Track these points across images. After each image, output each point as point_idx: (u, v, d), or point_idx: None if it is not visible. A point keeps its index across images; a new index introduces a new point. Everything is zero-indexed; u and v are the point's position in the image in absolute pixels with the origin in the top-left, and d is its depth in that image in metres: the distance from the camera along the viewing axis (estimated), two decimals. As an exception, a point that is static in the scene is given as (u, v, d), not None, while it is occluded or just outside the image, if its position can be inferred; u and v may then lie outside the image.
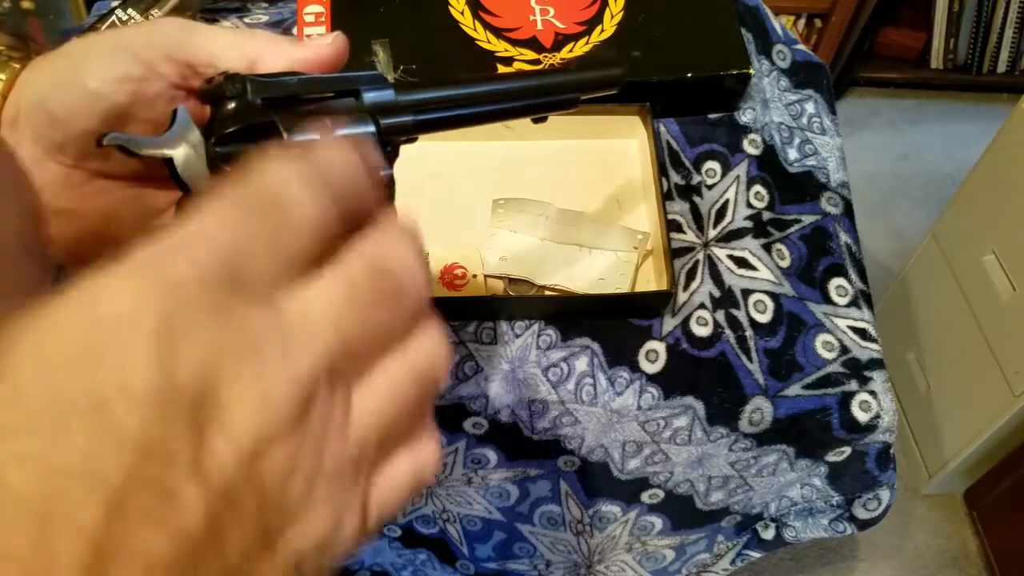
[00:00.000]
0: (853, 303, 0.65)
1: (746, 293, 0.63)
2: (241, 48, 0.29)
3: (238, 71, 0.29)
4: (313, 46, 0.30)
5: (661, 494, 0.67)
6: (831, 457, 0.65)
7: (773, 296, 0.63)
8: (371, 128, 0.29)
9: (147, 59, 0.29)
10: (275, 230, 0.19)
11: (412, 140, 0.31)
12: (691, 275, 0.63)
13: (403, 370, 0.21)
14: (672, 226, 0.64)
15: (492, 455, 0.63)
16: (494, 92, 0.34)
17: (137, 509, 0.16)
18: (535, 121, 0.37)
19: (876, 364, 0.63)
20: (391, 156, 0.31)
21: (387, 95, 0.30)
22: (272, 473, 0.18)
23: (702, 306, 0.62)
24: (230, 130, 0.27)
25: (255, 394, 0.17)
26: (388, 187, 0.30)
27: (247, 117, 0.27)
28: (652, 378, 0.60)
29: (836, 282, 0.65)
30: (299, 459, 0.18)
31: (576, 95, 0.37)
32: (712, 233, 0.65)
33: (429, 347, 0.22)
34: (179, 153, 0.27)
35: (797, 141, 0.71)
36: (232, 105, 0.27)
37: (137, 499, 0.16)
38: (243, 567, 0.18)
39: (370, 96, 0.29)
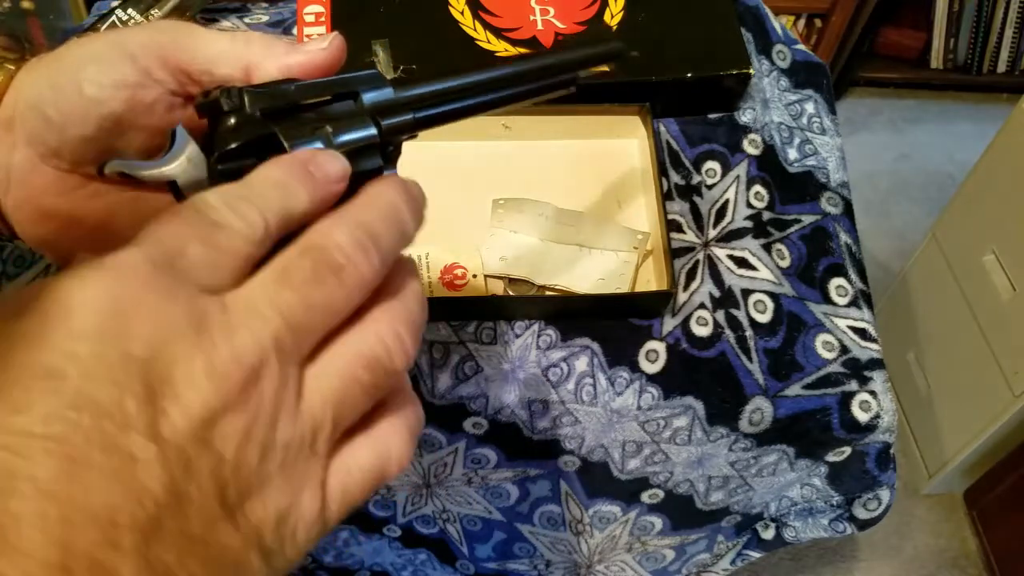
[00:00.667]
0: (853, 303, 0.65)
1: (746, 293, 0.63)
2: (237, 54, 0.29)
3: (234, 83, 0.28)
4: (309, 50, 0.30)
5: (661, 494, 0.67)
6: (831, 457, 0.65)
7: (773, 296, 0.63)
8: (372, 131, 0.28)
9: (144, 65, 0.29)
10: (221, 239, 0.21)
11: (414, 136, 0.31)
12: (691, 275, 0.63)
13: (352, 352, 0.22)
14: (672, 226, 0.64)
15: (492, 455, 0.63)
16: (493, 79, 0.34)
17: (97, 468, 0.17)
18: (537, 103, 0.36)
19: (876, 364, 0.63)
20: (394, 155, 0.30)
21: (386, 94, 0.29)
22: (225, 442, 0.19)
23: (702, 306, 0.62)
24: (231, 147, 0.26)
25: (203, 367, 0.19)
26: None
27: (247, 132, 0.26)
28: (652, 378, 0.60)
29: (836, 282, 0.65)
30: (252, 431, 0.20)
31: (574, 74, 0.37)
32: (712, 233, 0.65)
33: (381, 331, 0.23)
34: (181, 174, 0.27)
35: (797, 141, 0.71)
36: (231, 121, 0.26)
37: (96, 458, 0.17)
38: (207, 536, 0.18)
39: (369, 97, 0.29)
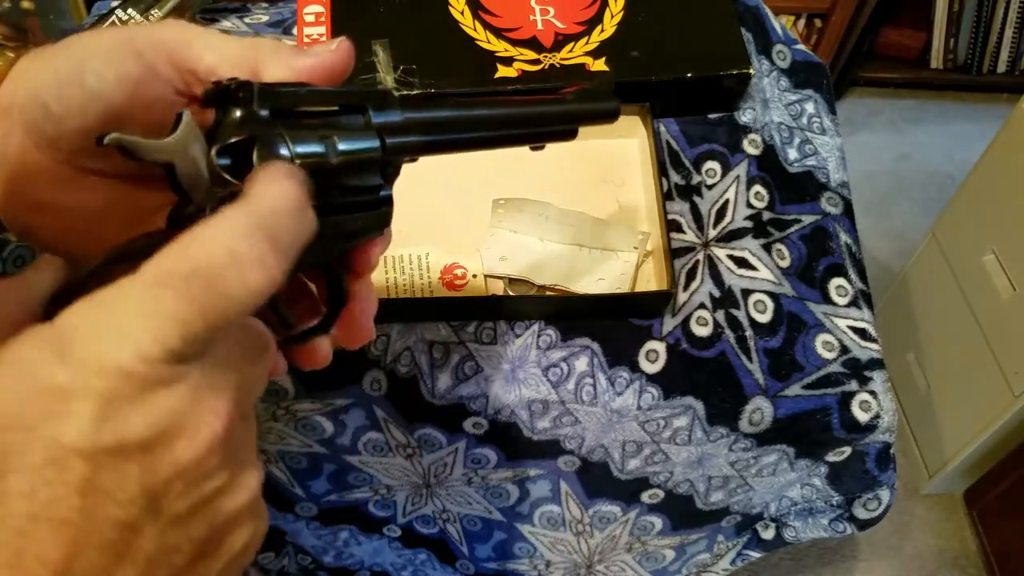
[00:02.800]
0: (853, 303, 0.65)
1: (746, 293, 0.63)
2: (244, 57, 0.29)
3: (247, 79, 0.28)
4: (316, 54, 0.29)
5: (661, 494, 0.67)
6: (831, 457, 0.65)
7: (773, 296, 0.63)
8: (376, 144, 0.28)
9: (149, 61, 0.29)
10: (218, 304, 0.22)
11: (414, 160, 0.31)
12: (691, 275, 0.63)
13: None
14: (672, 226, 0.64)
15: (492, 455, 0.63)
16: (499, 117, 0.34)
17: (99, 546, 0.19)
18: (533, 149, 0.37)
19: (876, 364, 0.63)
20: (392, 176, 0.30)
21: (394, 114, 0.29)
22: (205, 504, 0.23)
23: (702, 306, 0.62)
24: (233, 140, 0.26)
25: (196, 442, 0.22)
26: (385, 206, 0.30)
27: (252, 128, 0.26)
28: (652, 378, 0.60)
29: (836, 282, 0.65)
30: (223, 496, 0.24)
31: (575, 127, 0.39)
32: (712, 233, 0.65)
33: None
34: (180, 160, 0.26)
35: (797, 141, 0.71)
36: (238, 114, 0.26)
37: (99, 537, 0.19)
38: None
39: (377, 114, 0.29)
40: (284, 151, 0.26)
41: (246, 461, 0.24)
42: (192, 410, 0.22)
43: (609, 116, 0.41)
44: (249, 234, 0.23)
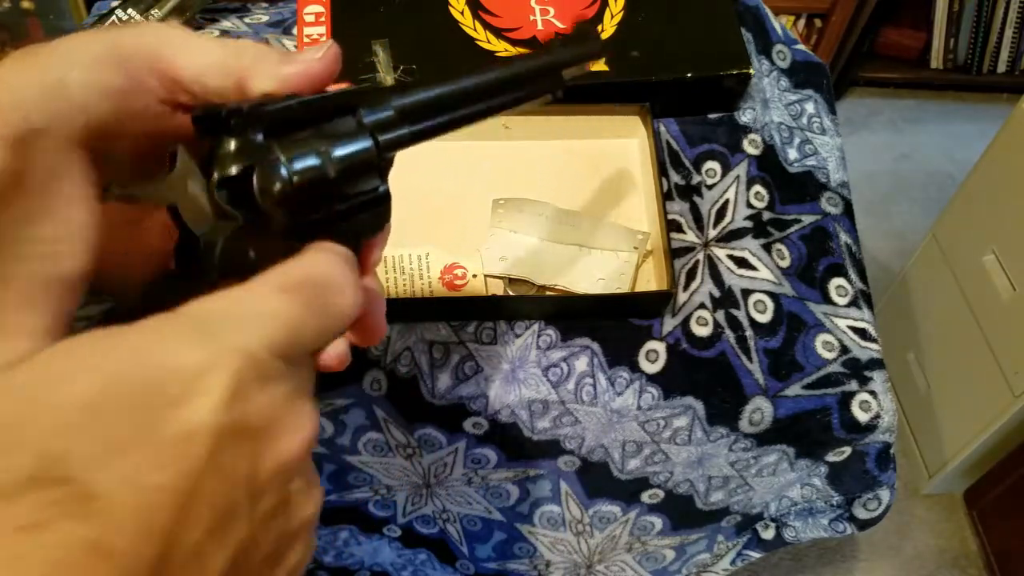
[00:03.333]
0: (853, 303, 0.65)
1: (746, 293, 0.63)
2: (229, 65, 0.28)
3: (226, 93, 0.28)
4: (303, 61, 0.29)
5: (661, 494, 0.67)
6: (831, 457, 0.65)
7: (773, 296, 0.63)
8: (370, 143, 0.28)
9: (134, 71, 0.28)
10: (322, 320, 0.24)
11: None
12: (691, 275, 0.63)
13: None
14: (672, 226, 0.64)
15: (492, 455, 0.63)
16: (485, 83, 0.34)
17: (204, 524, 0.20)
18: (555, 100, 0.37)
19: (876, 364, 0.63)
20: (385, 168, 0.30)
21: (386, 112, 0.29)
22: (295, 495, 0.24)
23: (702, 306, 0.62)
24: (232, 173, 0.25)
25: (295, 441, 0.23)
26: (384, 203, 0.30)
27: (249, 156, 0.26)
28: (652, 378, 0.60)
29: (836, 282, 0.65)
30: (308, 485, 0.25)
31: (560, 75, 0.38)
32: (712, 233, 0.65)
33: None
34: (181, 198, 0.26)
35: (797, 141, 0.71)
36: (232, 145, 0.26)
37: (207, 514, 0.21)
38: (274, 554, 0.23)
39: (367, 113, 0.29)
40: (283, 172, 0.26)
41: (315, 476, 0.25)
42: (295, 410, 0.23)
43: (595, 54, 0.41)
44: (347, 262, 0.26)
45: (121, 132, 0.28)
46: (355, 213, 0.29)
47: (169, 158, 0.26)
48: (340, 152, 0.27)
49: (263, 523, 0.22)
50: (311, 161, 0.26)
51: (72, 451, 0.19)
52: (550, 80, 0.38)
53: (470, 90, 0.33)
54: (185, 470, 0.20)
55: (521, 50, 0.66)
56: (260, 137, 0.26)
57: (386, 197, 0.30)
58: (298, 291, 0.24)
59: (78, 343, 0.21)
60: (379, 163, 0.29)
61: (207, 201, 0.26)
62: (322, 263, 0.25)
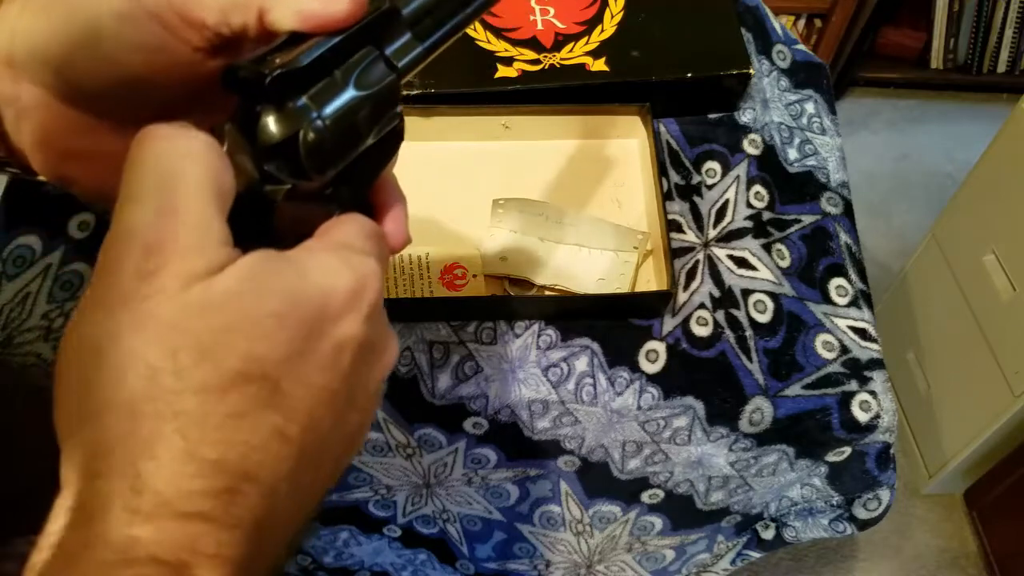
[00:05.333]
0: (853, 303, 0.65)
1: (746, 293, 0.63)
2: (249, 0, 0.28)
3: (248, 30, 0.28)
4: (327, 2, 0.27)
5: (661, 494, 0.67)
6: (831, 457, 0.65)
7: (773, 296, 0.63)
8: (392, 75, 0.29)
9: (164, 24, 0.27)
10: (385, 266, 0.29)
11: None
12: (691, 275, 0.63)
13: None
14: (672, 226, 0.64)
15: (492, 455, 0.63)
16: None
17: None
18: None
19: (876, 364, 0.63)
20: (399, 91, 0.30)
21: (403, 40, 0.30)
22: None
23: (702, 306, 0.62)
24: (276, 142, 0.26)
25: (391, 358, 0.29)
26: (401, 124, 0.30)
27: (292, 123, 0.26)
28: (652, 378, 0.60)
29: (836, 282, 0.65)
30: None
31: None
32: (712, 233, 0.65)
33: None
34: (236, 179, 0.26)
35: (797, 141, 0.71)
36: (275, 114, 0.26)
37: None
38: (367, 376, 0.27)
39: (389, 50, 0.29)
40: (325, 132, 0.27)
41: (390, 331, 0.29)
42: (390, 334, 0.28)
43: None
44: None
45: (152, 83, 0.28)
46: (382, 142, 0.30)
47: (212, 130, 0.26)
48: (370, 93, 0.28)
49: (368, 414, 0.28)
50: (348, 113, 0.27)
51: (267, 354, 0.23)
52: None
53: None
54: (338, 374, 0.25)
55: (522, 50, 0.66)
56: (300, 102, 0.26)
57: (401, 117, 0.30)
58: (377, 241, 0.29)
59: (260, 263, 0.24)
60: (399, 89, 0.29)
61: (254, 168, 0.27)
62: (366, 223, 0.29)
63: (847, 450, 0.64)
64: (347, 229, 0.28)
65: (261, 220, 0.27)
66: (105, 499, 0.21)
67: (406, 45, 0.30)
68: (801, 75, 0.74)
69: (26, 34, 0.27)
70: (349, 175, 0.29)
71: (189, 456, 0.22)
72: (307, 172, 0.27)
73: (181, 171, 0.24)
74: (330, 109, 0.27)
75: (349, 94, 0.28)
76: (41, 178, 0.31)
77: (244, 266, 0.24)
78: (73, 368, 0.23)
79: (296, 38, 0.28)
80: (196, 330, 0.22)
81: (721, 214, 0.66)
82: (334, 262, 0.26)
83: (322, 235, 0.28)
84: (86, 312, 0.23)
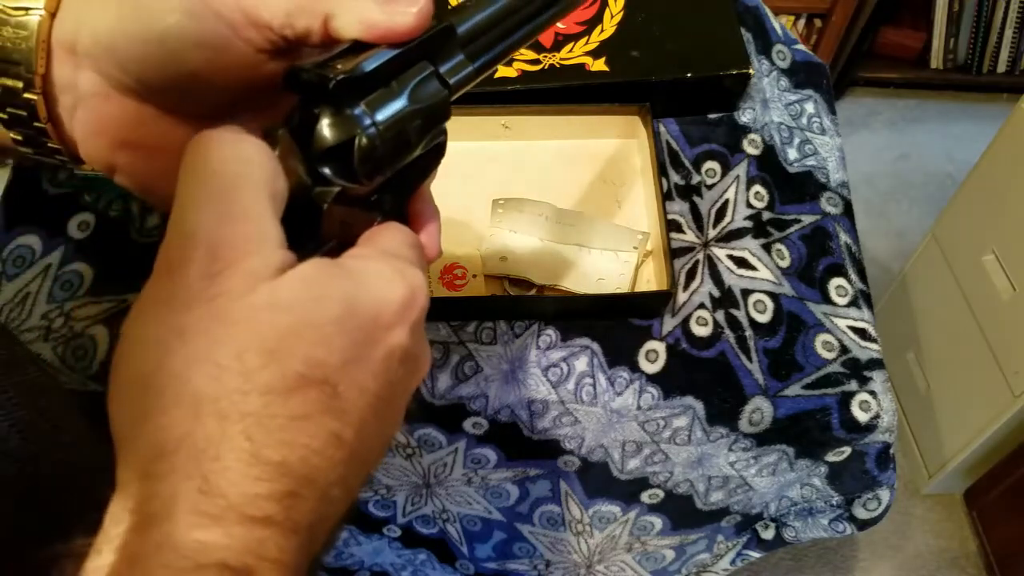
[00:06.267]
0: (853, 303, 0.65)
1: (746, 293, 0.63)
2: (317, 4, 0.28)
3: (312, 36, 0.28)
4: (394, 14, 0.28)
5: (661, 494, 0.67)
6: (831, 457, 0.65)
7: (773, 296, 0.63)
8: (444, 91, 0.30)
9: (228, 24, 0.27)
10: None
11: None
12: (691, 275, 0.63)
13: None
14: (672, 226, 0.64)
15: (492, 455, 0.63)
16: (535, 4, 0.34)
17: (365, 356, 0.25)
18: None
19: (876, 364, 0.63)
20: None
21: (457, 60, 0.30)
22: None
23: (702, 306, 0.62)
24: (331, 146, 0.27)
25: (425, 370, 0.29)
26: (445, 137, 0.31)
27: (347, 129, 0.27)
28: (652, 378, 0.60)
29: (836, 282, 0.65)
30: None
31: None
32: (712, 233, 0.65)
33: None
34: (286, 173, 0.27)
35: (797, 141, 0.71)
36: (331, 118, 0.27)
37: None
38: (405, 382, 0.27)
39: (444, 68, 0.30)
40: (378, 140, 0.27)
41: (427, 343, 0.29)
42: (427, 348, 0.28)
43: None
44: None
45: (212, 82, 0.28)
46: (426, 154, 0.30)
47: (264, 134, 0.27)
48: (422, 107, 0.29)
49: (402, 363, 0.27)
50: (401, 123, 0.28)
51: (326, 359, 0.23)
52: None
53: (525, 7, 0.33)
54: (386, 381, 0.25)
55: (522, 50, 0.66)
56: (357, 109, 0.27)
57: (445, 132, 0.31)
58: (419, 252, 0.29)
59: (322, 269, 0.24)
60: (449, 105, 0.30)
61: (305, 172, 0.27)
62: (409, 234, 0.30)
63: (847, 450, 0.64)
64: (393, 238, 0.28)
65: (309, 223, 0.27)
66: (169, 501, 0.21)
67: (459, 64, 0.30)
68: (801, 75, 0.74)
69: (93, 24, 0.28)
70: (394, 184, 0.30)
71: (254, 458, 0.22)
72: (358, 176, 0.27)
73: (241, 175, 0.24)
74: (384, 117, 0.28)
75: (403, 105, 0.28)
76: (84, 167, 0.31)
77: (307, 271, 0.24)
78: (133, 365, 0.23)
79: (357, 47, 0.28)
80: (263, 331, 0.22)
81: (721, 214, 0.66)
82: (388, 272, 0.26)
83: (368, 242, 0.28)
84: (148, 310, 0.23)
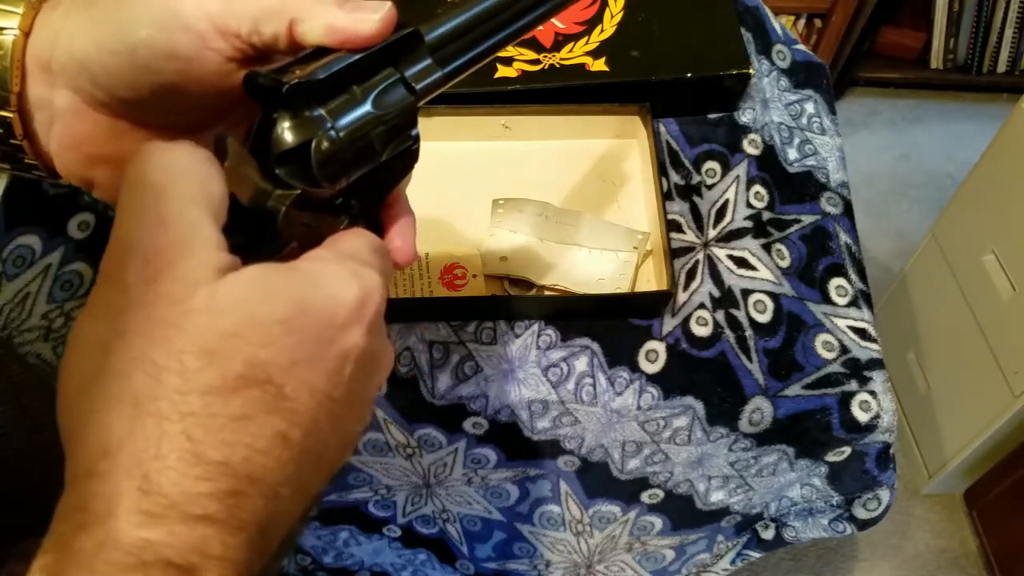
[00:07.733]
0: (853, 303, 0.65)
1: (746, 293, 0.63)
2: (281, 10, 0.28)
3: (279, 41, 0.28)
4: (357, 20, 0.28)
5: (661, 494, 0.67)
6: (831, 457, 0.65)
7: (773, 296, 0.63)
8: (410, 97, 0.30)
9: (198, 35, 0.28)
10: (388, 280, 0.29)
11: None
12: (691, 275, 0.63)
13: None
14: (672, 226, 0.64)
15: (492, 455, 0.63)
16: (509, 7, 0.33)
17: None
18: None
19: (876, 364, 0.63)
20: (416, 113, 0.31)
21: (424, 64, 0.30)
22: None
23: (702, 306, 0.62)
24: (290, 148, 0.27)
25: (386, 371, 0.29)
26: (416, 143, 0.31)
27: (307, 130, 0.27)
28: (652, 378, 0.60)
29: (836, 282, 0.65)
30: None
31: None
32: (712, 233, 0.65)
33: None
34: (236, 186, 0.27)
35: (797, 141, 0.71)
36: (290, 121, 0.27)
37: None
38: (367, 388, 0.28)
39: (409, 72, 0.30)
40: (339, 144, 0.27)
41: (388, 343, 0.30)
42: (387, 349, 0.29)
43: None
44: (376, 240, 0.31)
45: (186, 92, 0.29)
46: (397, 160, 0.30)
47: (216, 146, 0.27)
48: (386, 112, 0.29)
49: (360, 366, 0.27)
50: (363, 128, 0.28)
51: (271, 360, 0.23)
52: None
53: (499, 15, 0.33)
54: (340, 381, 0.25)
55: (522, 50, 0.66)
56: (316, 112, 0.27)
57: (417, 139, 0.31)
58: (382, 256, 0.29)
59: (270, 271, 0.25)
60: (416, 111, 0.30)
61: (260, 177, 0.27)
62: (372, 238, 0.29)
63: (847, 450, 0.64)
64: (354, 242, 0.28)
65: (266, 228, 0.27)
66: (112, 499, 0.21)
67: (426, 69, 0.30)
68: (801, 75, 0.74)
69: (67, 41, 0.28)
70: (361, 188, 0.30)
71: (196, 457, 0.22)
72: (318, 180, 0.27)
73: (169, 182, 0.24)
74: (345, 122, 0.27)
75: (365, 111, 0.28)
76: (62, 181, 0.32)
77: (251, 273, 0.24)
78: (79, 365, 0.23)
79: (321, 52, 0.28)
80: (201, 333, 0.23)
81: (721, 214, 0.66)
82: (342, 273, 0.26)
83: (328, 246, 0.28)
84: (94, 312, 0.24)
